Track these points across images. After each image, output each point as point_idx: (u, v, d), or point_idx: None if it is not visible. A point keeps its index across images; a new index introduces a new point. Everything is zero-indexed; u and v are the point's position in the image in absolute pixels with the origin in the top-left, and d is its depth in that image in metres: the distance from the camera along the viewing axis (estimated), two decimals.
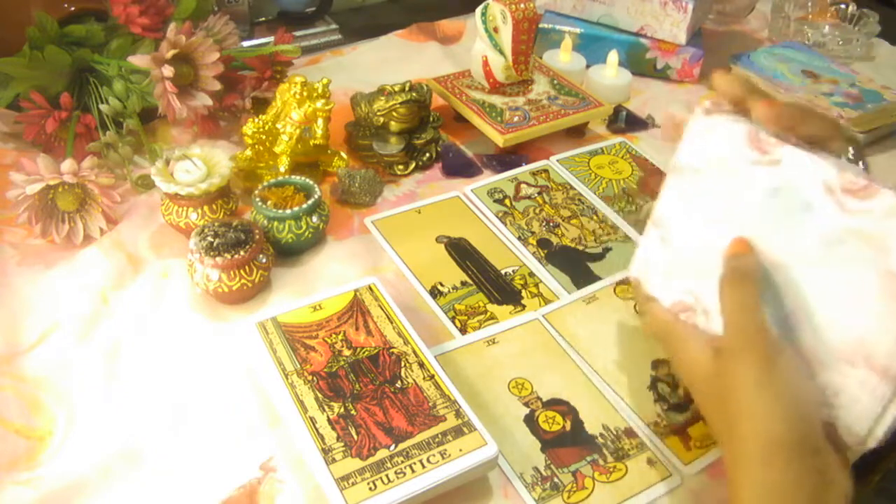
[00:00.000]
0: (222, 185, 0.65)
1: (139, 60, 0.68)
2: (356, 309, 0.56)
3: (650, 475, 0.51)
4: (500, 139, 0.77)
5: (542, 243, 0.70)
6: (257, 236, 0.61)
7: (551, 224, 0.72)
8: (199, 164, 0.64)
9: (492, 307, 0.63)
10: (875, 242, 0.38)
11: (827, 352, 0.41)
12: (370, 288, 0.58)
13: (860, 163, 0.46)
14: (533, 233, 0.71)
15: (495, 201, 0.74)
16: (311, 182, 0.67)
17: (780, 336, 0.42)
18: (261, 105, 0.79)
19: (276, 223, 0.64)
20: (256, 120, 0.70)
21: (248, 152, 0.71)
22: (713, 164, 0.46)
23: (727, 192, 0.45)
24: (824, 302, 0.41)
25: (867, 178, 0.39)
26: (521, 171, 0.78)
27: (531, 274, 0.67)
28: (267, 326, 0.54)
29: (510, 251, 0.69)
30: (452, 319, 0.62)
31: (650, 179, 0.79)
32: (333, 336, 0.54)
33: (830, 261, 0.40)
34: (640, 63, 0.98)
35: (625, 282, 0.65)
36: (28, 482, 0.48)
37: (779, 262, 0.43)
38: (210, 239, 0.59)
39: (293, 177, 0.68)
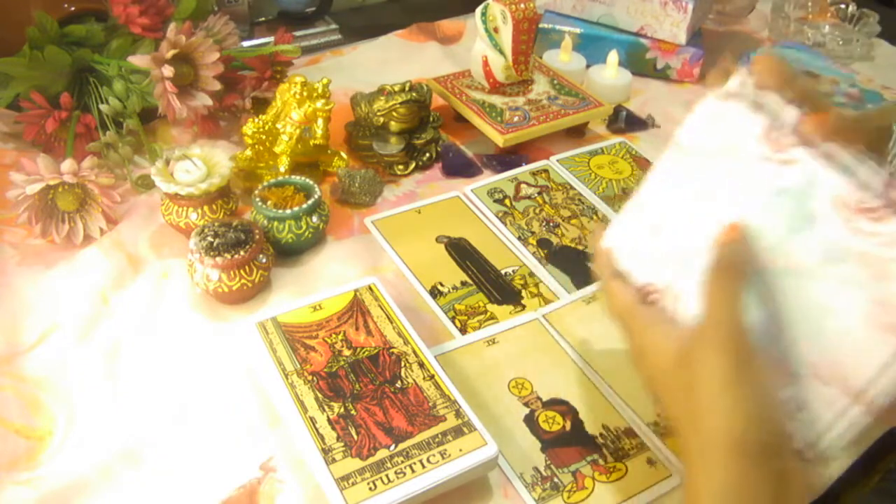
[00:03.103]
0: (222, 185, 0.65)
1: (139, 60, 0.68)
2: (356, 309, 0.56)
3: (650, 475, 0.51)
4: (500, 139, 0.77)
5: (542, 243, 0.70)
6: (257, 236, 0.60)
7: (551, 224, 0.72)
8: (199, 164, 0.64)
9: (492, 307, 0.63)
10: (874, 268, 0.37)
11: (801, 364, 0.40)
12: (370, 288, 0.58)
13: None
14: (533, 233, 0.71)
15: (495, 201, 0.74)
16: (311, 182, 0.67)
17: (757, 339, 0.41)
18: (261, 105, 0.79)
19: (276, 223, 0.64)
20: (256, 120, 0.70)
21: (248, 152, 0.71)
22: (719, 150, 0.44)
23: (728, 181, 0.43)
24: (809, 315, 0.40)
25: (881, 201, 0.37)
26: (521, 171, 0.78)
27: (531, 274, 0.67)
28: (267, 326, 0.54)
29: (510, 251, 0.69)
30: (452, 319, 0.62)
31: None
32: (333, 336, 0.54)
33: (825, 276, 0.39)
34: (640, 63, 0.98)
35: None
36: (28, 482, 0.48)
37: (770, 265, 0.41)
38: (210, 239, 0.59)
39: (293, 177, 0.68)
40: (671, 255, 0.45)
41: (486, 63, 0.82)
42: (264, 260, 0.61)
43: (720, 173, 0.44)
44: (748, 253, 0.41)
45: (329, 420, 0.48)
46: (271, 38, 0.83)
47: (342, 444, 0.47)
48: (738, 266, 0.41)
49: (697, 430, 0.39)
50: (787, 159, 0.41)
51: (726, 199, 0.43)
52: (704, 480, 0.38)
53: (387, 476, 0.46)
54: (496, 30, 0.80)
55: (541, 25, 0.96)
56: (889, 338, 0.37)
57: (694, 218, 0.45)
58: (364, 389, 0.51)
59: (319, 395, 0.50)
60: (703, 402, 0.39)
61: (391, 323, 0.55)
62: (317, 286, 0.63)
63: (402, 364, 0.52)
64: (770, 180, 0.41)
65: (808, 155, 0.40)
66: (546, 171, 0.79)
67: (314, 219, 0.65)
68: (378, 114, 0.76)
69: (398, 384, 0.51)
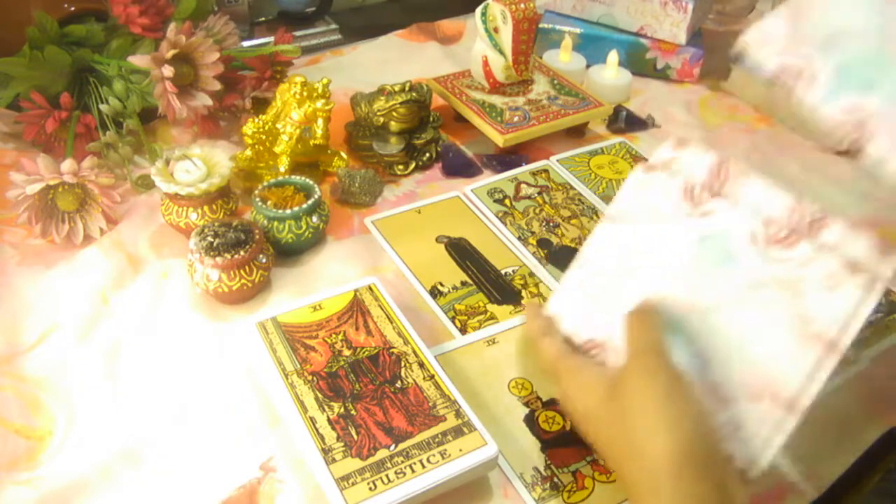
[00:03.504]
0: (222, 185, 0.65)
1: (139, 60, 0.68)
2: (356, 309, 0.56)
3: None
4: (500, 139, 0.77)
5: (542, 243, 0.70)
6: (257, 236, 0.61)
7: (551, 224, 0.72)
8: (199, 164, 0.64)
9: (492, 307, 0.63)
10: (791, 288, 0.42)
11: (733, 388, 0.43)
12: (370, 288, 0.58)
13: None
14: (533, 233, 0.71)
15: (495, 201, 0.74)
16: (311, 182, 0.67)
17: (689, 372, 0.44)
18: (261, 105, 0.79)
19: (276, 223, 0.64)
20: (256, 120, 0.70)
21: (248, 152, 0.71)
22: (647, 215, 0.49)
23: (657, 241, 0.48)
24: (737, 342, 0.44)
25: (787, 230, 0.43)
26: (521, 171, 0.78)
27: (531, 274, 0.67)
28: (267, 326, 0.54)
29: (510, 251, 0.69)
30: (452, 319, 0.62)
31: None
32: (333, 336, 0.54)
33: (747, 304, 0.44)
34: (640, 63, 0.98)
35: None
36: (28, 482, 0.49)
37: (697, 305, 0.45)
38: (210, 239, 0.59)
39: (293, 177, 0.68)
40: (609, 313, 0.49)
41: (486, 63, 0.82)
42: (264, 260, 0.61)
43: (649, 234, 0.49)
44: (660, 307, 0.46)
45: (329, 420, 0.48)
46: (271, 38, 0.83)
47: (342, 444, 0.47)
48: (653, 308, 0.46)
49: (640, 455, 0.40)
50: (706, 211, 0.47)
51: (656, 255, 0.48)
52: (654, 501, 0.39)
53: (387, 476, 0.46)
54: (496, 30, 0.80)
55: (541, 25, 0.96)
56: (812, 345, 0.41)
57: (629, 276, 0.49)
58: (364, 389, 0.51)
59: (319, 395, 0.50)
60: (641, 428, 0.40)
61: (391, 323, 0.55)
62: (317, 286, 0.63)
63: (402, 364, 0.52)
64: (693, 231, 0.47)
65: (723, 205, 0.46)
66: (546, 171, 0.79)
67: (314, 219, 0.65)
68: (378, 114, 0.76)
69: (398, 384, 0.51)
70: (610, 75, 0.92)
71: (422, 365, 0.52)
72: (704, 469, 0.38)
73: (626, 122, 0.87)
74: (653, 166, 0.51)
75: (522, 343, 0.59)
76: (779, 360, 0.42)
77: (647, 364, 0.42)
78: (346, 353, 0.53)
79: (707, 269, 0.46)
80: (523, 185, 0.76)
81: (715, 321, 0.45)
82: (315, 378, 0.51)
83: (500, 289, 0.65)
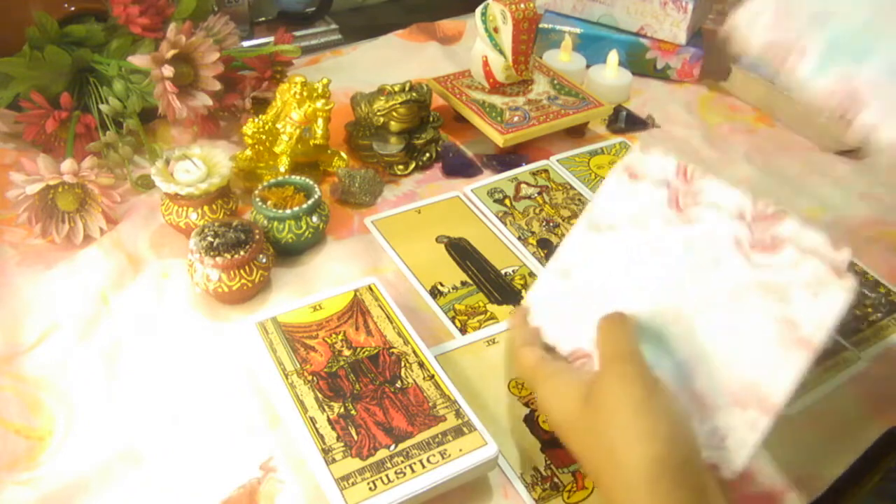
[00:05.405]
0: (222, 185, 0.65)
1: (139, 60, 0.68)
2: (356, 309, 0.56)
3: None
4: (500, 139, 0.77)
5: (542, 243, 0.70)
6: (257, 236, 0.61)
7: (551, 224, 0.72)
8: (199, 164, 0.64)
9: (492, 307, 0.63)
10: (776, 292, 0.42)
11: (719, 395, 0.43)
12: (370, 288, 0.58)
13: None
14: (533, 233, 0.71)
15: (495, 201, 0.74)
16: (311, 182, 0.67)
17: (673, 381, 0.44)
18: (261, 105, 0.79)
19: (276, 223, 0.64)
20: (256, 120, 0.70)
21: (248, 152, 0.71)
22: (631, 223, 0.49)
23: (641, 248, 0.48)
24: (723, 347, 0.44)
25: (770, 237, 0.44)
26: (521, 171, 0.78)
27: (531, 274, 0.67)
28: (267, 326, 0.54)
29: (510, 251, 0.69)
30: (452, 319, 0.62)
31: None
32: (333, 336, 0.54)
33: (733, 309, 0.44)
34: (640, 63, 0.98)
35: None
36: (28, 482, 0.49)
37: (683, 313, 0.45)
38: (210, 239, 0.59)
39: (293, 177, 0.68)
40: (594, 323, 0.48)
41: (486, 63, 0.82)
42: (264, 260, 0.61)
43: (635, 242, 0.49)
44: (630, 319, 0.45)
45: (329, 420, 0.48)
46: (271, 38, 0.83)
47: (342, 444, 0.47)
48: (622, 315, 0.45)
49: (616, 464, 0.39)
50: (691, 218, 0.47)
51: (643, 264, 0.48)
52: None
53: (387, 476, 0.46)
54: (496, 30, 0.80)
55: (541, 25, 0.96)
56: (799, 351, 0.41)
57: (615, 285, 0.49)
58: (364, 389, 0.51)
59: (319, 395, 0.50)
60: (616, 437, 0.39)
61: (391, 323, 0.55)
62: (317, 286, 0.63)
63: (402, 364, 0.52)
64: (679, 238, 0.47)
65: (706, 211, 0.46)
66: (546, 171, 0.79)
67: (314, 219, 0.65)
68: (378, 114, 0.76)
69: (398, 384, 0.51)
70: (610, 75, 0.92)
71: (422, 365, 0.52)
72: (682, 474, 0.38)
73: (626, 122, 0.87)
74: (639, 175, 0.50)
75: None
76: (766, 366, 0.42)
77: (620, 372, 0.41)
78: (346, 353, 0.53)
79: (693, 276, 0.45)
80: (523, 185, 0.76)
81: (701, 328, 0.44)
82: (315, 378, 0.51)
83: (500, 289, 0.65)
